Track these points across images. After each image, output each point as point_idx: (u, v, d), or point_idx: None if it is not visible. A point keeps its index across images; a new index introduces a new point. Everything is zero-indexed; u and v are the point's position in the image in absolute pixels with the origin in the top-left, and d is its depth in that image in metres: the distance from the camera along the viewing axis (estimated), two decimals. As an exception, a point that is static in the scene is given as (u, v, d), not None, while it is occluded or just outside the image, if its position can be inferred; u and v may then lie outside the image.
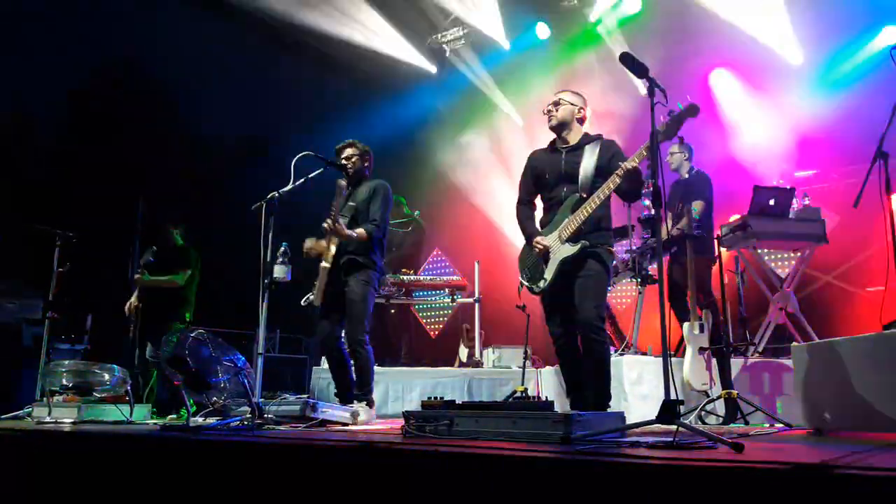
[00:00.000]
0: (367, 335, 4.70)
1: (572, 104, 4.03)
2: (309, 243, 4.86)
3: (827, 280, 7.53)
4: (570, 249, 3.77)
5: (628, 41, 8.83)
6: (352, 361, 4.70)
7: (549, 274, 3.83)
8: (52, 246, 5.50)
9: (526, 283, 3.96)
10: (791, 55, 8.15)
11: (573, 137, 4.02)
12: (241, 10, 9.02)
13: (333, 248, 4.67)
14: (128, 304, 6.01)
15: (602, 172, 3.81)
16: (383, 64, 10.17)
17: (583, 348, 3.80)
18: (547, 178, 4.02)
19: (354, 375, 4.72)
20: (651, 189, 3.05)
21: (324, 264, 4.67)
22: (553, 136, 4.11)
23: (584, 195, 3.79)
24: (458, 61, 10.49)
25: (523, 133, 9.86)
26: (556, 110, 4.04)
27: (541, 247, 3.85)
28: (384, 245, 4.96)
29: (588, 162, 3.86)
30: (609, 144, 3.94)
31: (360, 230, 4.71)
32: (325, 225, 4.62)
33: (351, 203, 4.84)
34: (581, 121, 4.07)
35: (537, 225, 4.07)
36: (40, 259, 5.63)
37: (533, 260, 3.93)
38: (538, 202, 4.18)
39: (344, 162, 4.93)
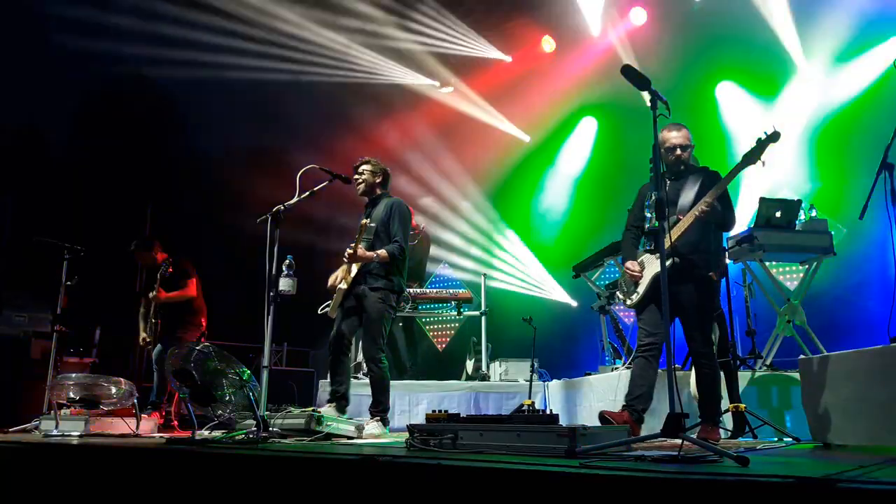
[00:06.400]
0: (383, 353, 4.77)
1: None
2: (333, 280, 4.93)
3: (835, 292, 7.46)
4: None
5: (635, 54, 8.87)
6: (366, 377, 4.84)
7: (641, 288, 4.10)
8: (60, 259, 5.54)
9: (621, 297, 4.30)
10: (798, 63, 8.13)
11: (678, 170, 4.21)
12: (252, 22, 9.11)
13: (354, 270, 4.77)
14: (146, 328, 6.03)
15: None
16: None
17: (694, 370, 4.18)
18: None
19: (371, 392, 4.81)
20: (653, 200, 3.05)
21: (342, 285, 4.78)
22: None
23: (681, 217, 3.97)
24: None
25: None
26: (678, 155, 4.13)
27: (631, 272, 4.12)
28: (405, 263, 4.95)
29: (689, 190, 4.07)
30: (711, 175, 4.13)
31: (382, 252, 4.74)
32: (346, 255, 4.72)
33: (371, 224, 4.86)
34: (680, 153, 4.14)
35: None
36: (49, 272, 5.67)
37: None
38: None
39: (355, 177, 4.97)
